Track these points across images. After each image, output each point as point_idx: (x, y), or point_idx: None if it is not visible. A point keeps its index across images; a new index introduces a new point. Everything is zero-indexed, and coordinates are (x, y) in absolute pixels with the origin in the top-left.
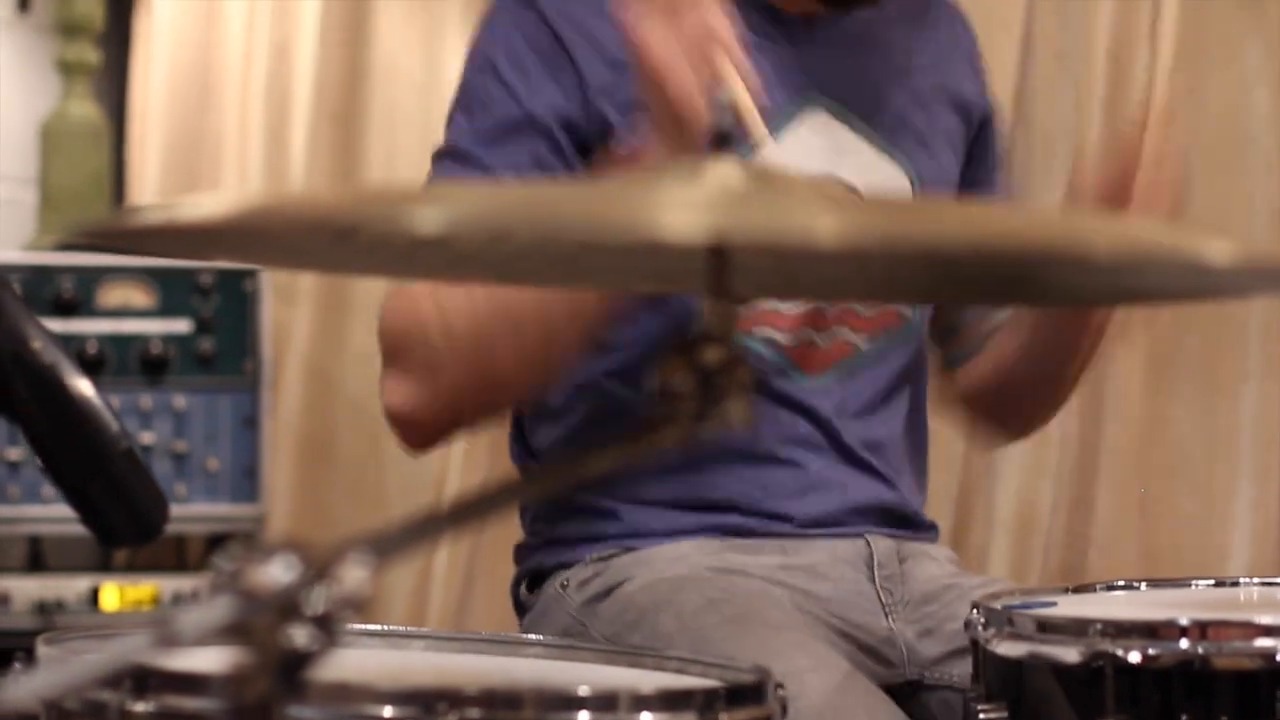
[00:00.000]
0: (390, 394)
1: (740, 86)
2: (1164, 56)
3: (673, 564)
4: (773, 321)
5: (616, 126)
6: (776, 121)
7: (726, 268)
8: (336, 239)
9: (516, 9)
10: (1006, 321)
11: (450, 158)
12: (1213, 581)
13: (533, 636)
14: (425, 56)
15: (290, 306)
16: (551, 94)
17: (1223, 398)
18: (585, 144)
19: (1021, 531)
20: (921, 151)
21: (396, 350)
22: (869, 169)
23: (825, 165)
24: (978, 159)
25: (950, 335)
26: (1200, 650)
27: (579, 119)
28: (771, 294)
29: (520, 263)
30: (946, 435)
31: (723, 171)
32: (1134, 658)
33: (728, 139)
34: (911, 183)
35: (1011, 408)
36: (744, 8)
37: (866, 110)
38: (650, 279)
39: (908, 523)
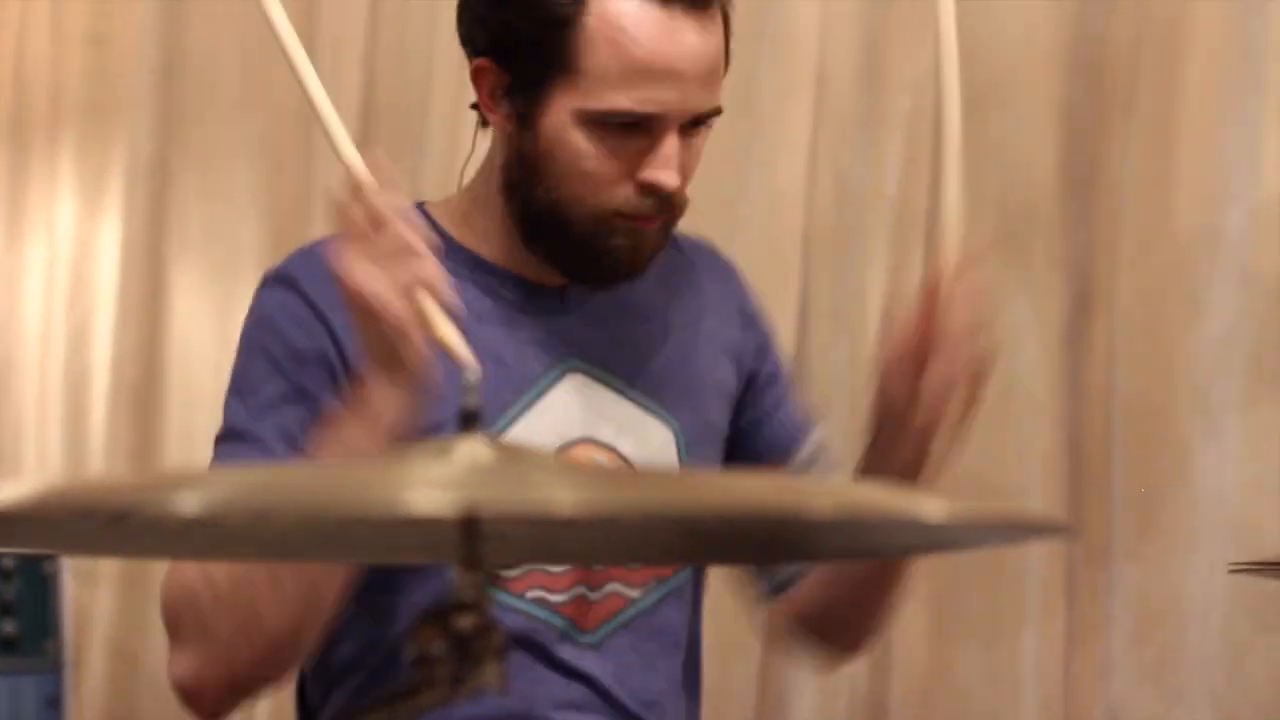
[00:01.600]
0: (172, 667)
1: (446, 324)
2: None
3: None
4: (544, 582)
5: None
6: (536, 389)
7: (476, 539)
8: (110, 524)
9: (277, 289)
10: None
11: (227, 439)
12: None
13: None
14: (219, 334)
15: (91, 588)
16: (315, 363)
17: (1004, 642)
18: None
19: None
20: (686, 406)
21: (173, 623)
22: (630, 428)
23: (584, 428)
24: (753, 403)
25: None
26: None
27: (338, 379)
28: (529, 560)
29: (286, 540)
30: (737, 684)
31: (471, 448)
32: None
33: (474, 417)
34: (676, 437)
35: (843, 624)
36: (501, 282)
37: (627, 372)
38: (409, 551)
39: None
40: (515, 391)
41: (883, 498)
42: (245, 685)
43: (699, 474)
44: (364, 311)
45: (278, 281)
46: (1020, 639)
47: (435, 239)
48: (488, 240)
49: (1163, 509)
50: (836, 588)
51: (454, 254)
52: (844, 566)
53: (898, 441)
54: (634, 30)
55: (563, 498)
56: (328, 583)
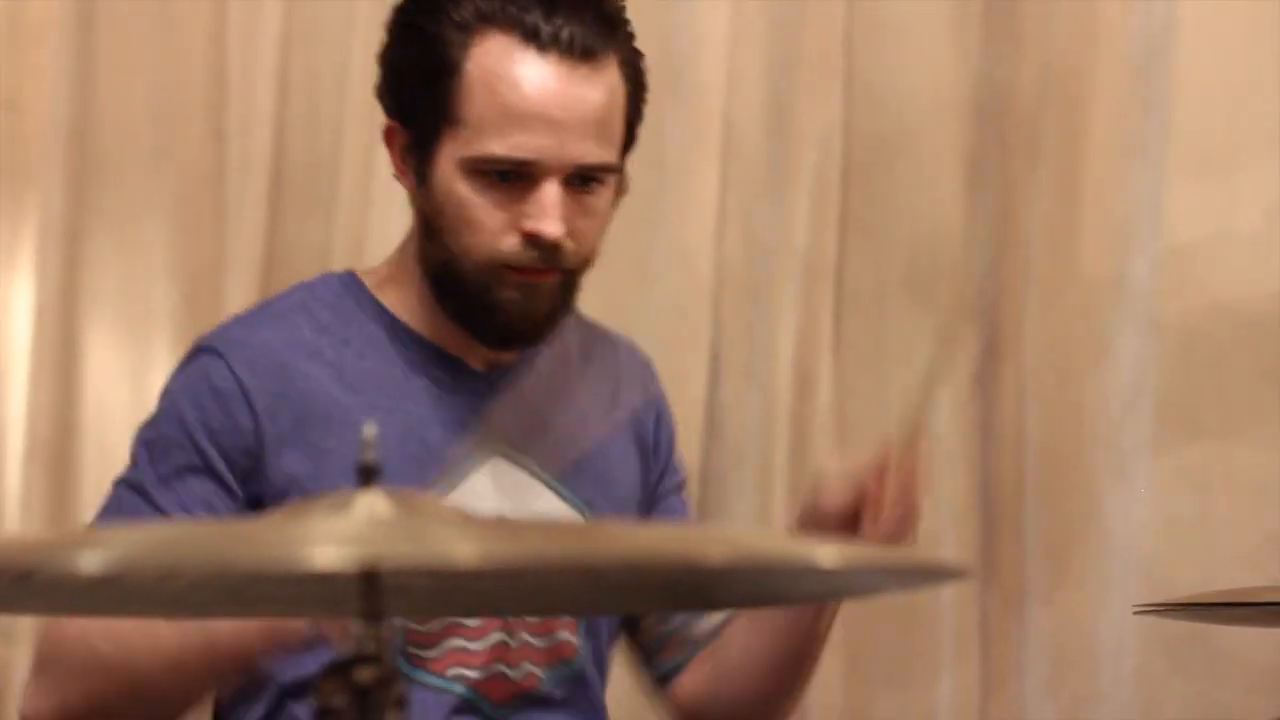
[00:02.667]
0: (29, 700)
1: None
2: (847, 363)
3: None
4: (463, 660)
5: (298, 475)
6: (456, 471)
7: (377, 592)
8: (16, 582)
9: (208, 360)
10: (734, 624)
11: (127, 489)
12: None
13: None
14: (134, 392)
15: (11, 646)
16: (226, 441)
17: (920, 687)
18: (259, 494)
19: None
20: (600, 496)
21: (46, 657)
22: (549, 511)
23: (505, 509)
24: (654, 484)
25: (658, 649)
26: None
27: (255, 467)
28: (432, 613)
29: (190, 597)
30: None
31: (369, 502)
32: None
33: (372, 472)
34: (586, 519)
35: (742, 710)
36: (429, 357)
37: (546, 458)
38: (313, 606)
39: None
40: (438, 472)
41: (777, 544)
42: None
43: (598, 525)
44: None
45: (210, 352)
46: (936, 684)
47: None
48: (413, 309)
49: (1074, 553)
50: (735, 672)
51: (386, 324)
52: (743, 659)
53: None
54: (510, 77)
55: (463, 549)
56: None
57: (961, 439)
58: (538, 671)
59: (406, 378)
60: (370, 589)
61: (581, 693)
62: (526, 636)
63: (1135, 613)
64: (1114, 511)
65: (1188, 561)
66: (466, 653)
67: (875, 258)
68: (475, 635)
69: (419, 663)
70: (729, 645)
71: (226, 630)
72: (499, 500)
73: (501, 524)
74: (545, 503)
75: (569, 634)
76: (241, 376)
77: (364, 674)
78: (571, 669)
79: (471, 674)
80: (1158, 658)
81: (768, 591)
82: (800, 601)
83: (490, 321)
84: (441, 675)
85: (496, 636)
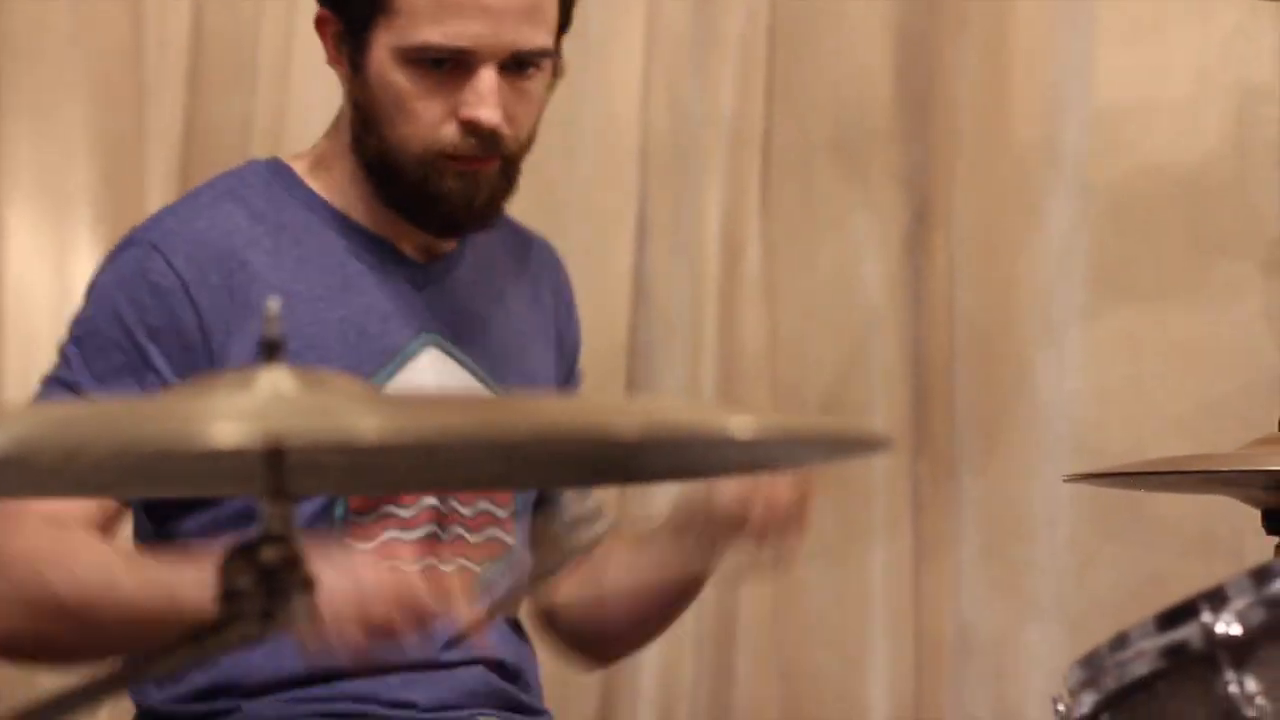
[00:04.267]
0: None
1: None
2: (775, 232)
3: None
4: (395, 552)
5: (234, 358)
6: (398, 359)
7: (282, 469)
8: None
9: (141, 253)
10: (613, 554)
11: (60, 387)
12: None
13: None
14: (56, 274)
15: None
16: (170, 339)
17: (852, 555)
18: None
19: (666, 703)
20: (523, 386)
21: None
22: None
23: None
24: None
25: (535, 547)
26: None
27: (199, 363)
28: (341, 490)
29: (94, 477)
30: None
31: (273, 378)
32: None
33: (275, 347)
34: None
35: (599, 634)
36: (369, 246)
37: (477, 351)
38: (218, 484)
39: (525, 708)
40: (377, 361)
41: (692, 416)
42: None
43: (507, 398)
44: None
45: (144, 245)
46: (869, 556)
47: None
48: (346, 196)
49: (1006, 421)
50: (609, 601)
51: (320, 211)
52: (616, 587)
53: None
54: None
55: (368, 425)
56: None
57: (892, 307)
58: (474, 567)
59: (343, 265)
60: (274, 466)
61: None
62: (460, 530)
63: (1067, 481)
64: (1046, 379)
65: (1120, 429)
66: (399, 544)
67: (802, 125)
68: (409, 525)
69: (352, 533)
70: (604, 566)
71: (190, 582)
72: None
73: (407, 399)
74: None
75: (503, 532)
76: (180, 270)
77: (269, 554)
78: (503, 564)
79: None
80: (1091, 525)
81: (684, 464)
82: (718, 475)
83: (432, 211)
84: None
85: (428, 528)
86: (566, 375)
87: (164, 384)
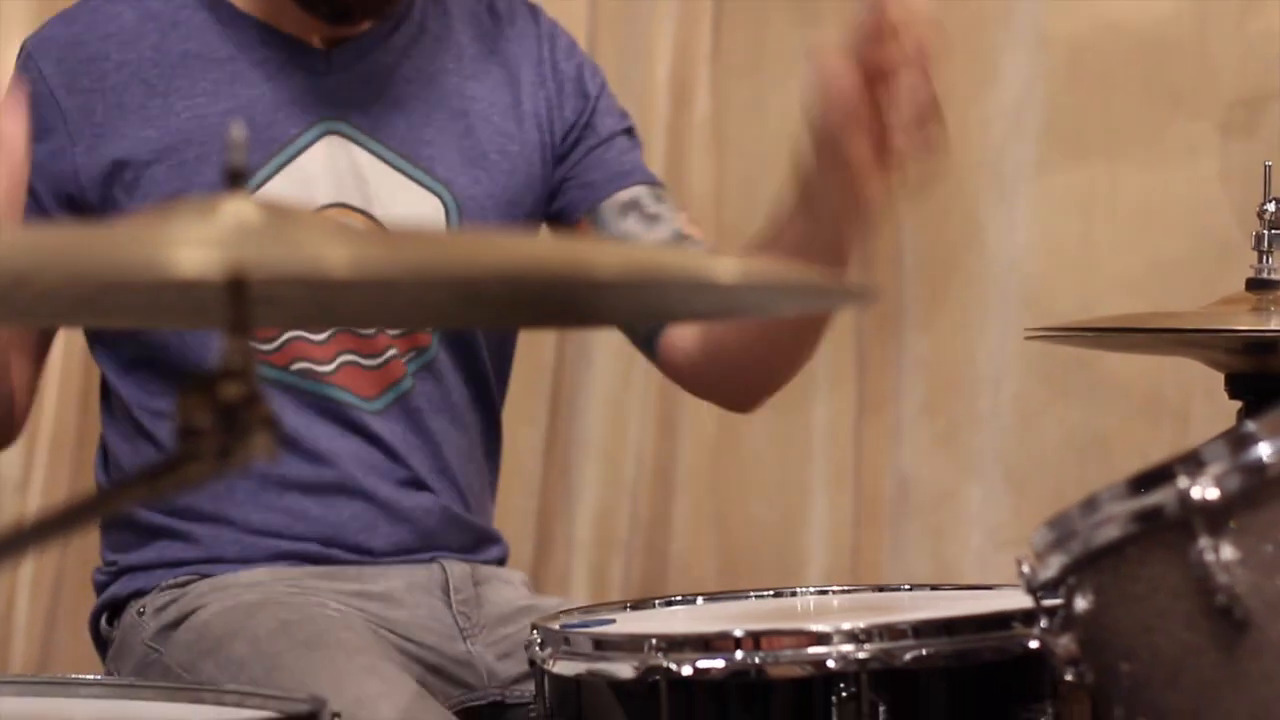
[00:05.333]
0: None
1: None
2: (724, 75)
3: (248, 590)
4: (306, 353)
5: (120, 160)
6: (288, 150)
7: (243, 302)
8: None
9: (20, 59)
10: None
11: None
12: (771, 592)
13: (90, 676)
14: None
15: None
16: (40, 146)
17: (794, 408)
18: (76, 201)
19: (601, 550)
20: (463, 176)
21: None
22: (391, 195)
23: (337, 193)
24: (579, 160)
25: None
26: (755, 660)
27: (65, 181)
28: (302, 325)
29: (43, 306)
30: (523, 457)
31: (237, 207)
32: (686, 671)
33: (239, 176)
34: (447, 207)
35: (731, 374)
36: (260, 36)
37: (394, 138)
38: (175, 316)
39: (481, 546)
40: (265, 153)
41: (672, 258)
42: None
43: (480, 235)
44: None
45: (23, 53)
46: (811, 408)
47: None
48: None
49: (953, 277)
50: (734, 343)
51: (212, 7)
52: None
53: (829, 185)
54: None
55: (335, 258)
56: None
57: None
58: (405, 360)
59: (233, 59)
60: (237, 298)
61: (456, 386)
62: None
63: (1028, 338)
64: (995, 235)
65: (1069, 287)
66: (307, 343)
67: None
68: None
69: (260, 357)
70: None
71: None
72: (334, 181)
73: (378, 233)
74: (389, 181)
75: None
76: (48, 75)
77: (229, 390)
78: (423, 358)
79: (318, 367)
80: (1037, 383)
81: (660, 308)
82: (691, 319)
83: None
84: (285, 369)
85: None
86: (561, 154)
87: (38, 208)
